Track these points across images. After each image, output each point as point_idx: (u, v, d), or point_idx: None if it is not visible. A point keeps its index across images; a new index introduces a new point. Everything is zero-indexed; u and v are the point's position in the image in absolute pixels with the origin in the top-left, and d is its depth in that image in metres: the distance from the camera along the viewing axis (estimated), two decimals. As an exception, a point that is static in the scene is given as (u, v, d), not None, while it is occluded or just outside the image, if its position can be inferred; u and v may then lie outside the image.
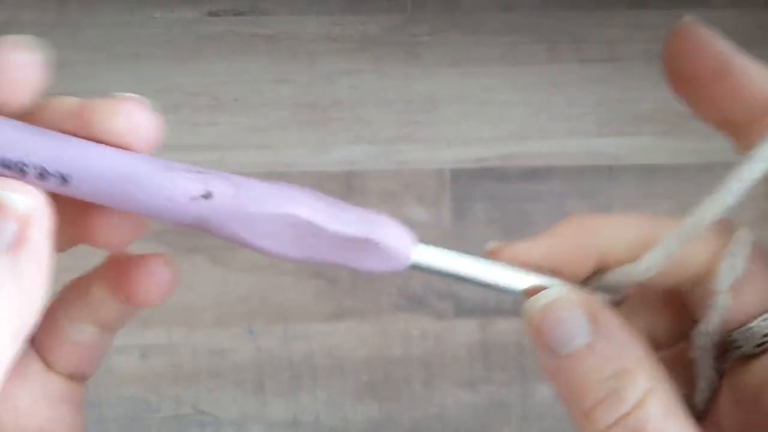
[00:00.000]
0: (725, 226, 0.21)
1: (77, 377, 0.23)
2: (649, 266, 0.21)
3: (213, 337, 0.53)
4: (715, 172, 0.20)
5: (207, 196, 0.19)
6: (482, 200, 0.54)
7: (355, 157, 0.55)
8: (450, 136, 0.55)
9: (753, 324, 0.21)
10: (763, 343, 0.21)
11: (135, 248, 0.22)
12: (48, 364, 0.23)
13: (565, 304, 0.20)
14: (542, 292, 0.20)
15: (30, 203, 0.19)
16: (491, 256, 0.22)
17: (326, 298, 0.53)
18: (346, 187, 0.54)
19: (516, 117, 0.55)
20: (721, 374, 0.22)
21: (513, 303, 0.42)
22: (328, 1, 0.57)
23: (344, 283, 0.53)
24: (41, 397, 0.22)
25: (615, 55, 0.56)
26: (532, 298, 0.20)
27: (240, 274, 0.55)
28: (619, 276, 0.21)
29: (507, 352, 0.53)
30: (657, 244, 0.21)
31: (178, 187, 0.19)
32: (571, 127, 0.55)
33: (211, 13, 0.58)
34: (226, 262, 0.53)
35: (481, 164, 0.55)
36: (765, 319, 0.21)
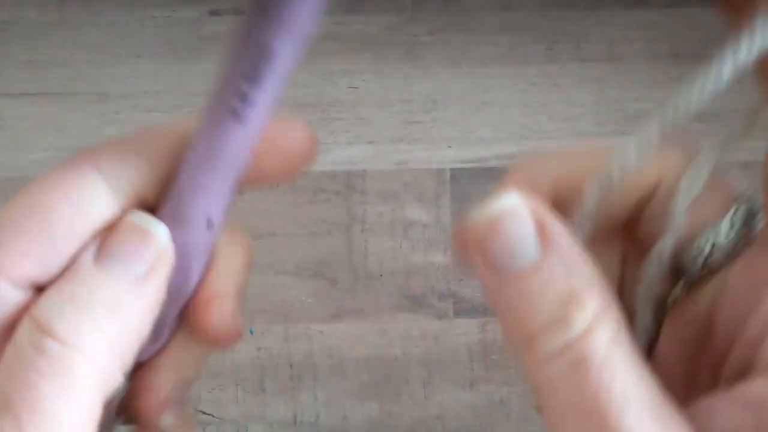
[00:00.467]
0: (679, 149, 0.20)
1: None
2: (623, 163, 0.19)
3: (213, 337, 0.52)
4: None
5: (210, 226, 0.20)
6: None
7: (355, 157, 0.55)
8: (450, 136, 0.55)
9: (697, 242, 0.20)
10: (707, 263, 0.20)
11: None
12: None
13: (513, 215, 0.17)
14: (489, 202, 0.18)
15: (167, 239, 0.19)
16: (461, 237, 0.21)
17: (326, 298, 0.53)
18: (346, 187, 0.54)
19: (516, 117, 0.55)
20: (661, 320, 0.21)
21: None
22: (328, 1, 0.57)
23: (344, 283, 0.53)
24: None
25: (615, 55, 0.56)
26: (479, 210, 0.18)
27: (240, 274, 0.55)
28: (593, 187, 0.20)
29: (507, 352, 0.53)
30: (630, 139, 0.19)
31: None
32: (571, 127, 0.55)
33: (211, 12, 0.58)
34: (226, 262, 0.53)
35: (481, 164, 0.55)
36: (707, 237, 0.20)
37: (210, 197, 0.19)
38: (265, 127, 0.19)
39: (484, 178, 0.54)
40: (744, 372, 0.17)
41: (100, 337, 0.17)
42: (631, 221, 0.21)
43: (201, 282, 0.20)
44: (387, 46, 0.57)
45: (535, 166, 0.21)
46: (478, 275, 0.18)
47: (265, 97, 0.18)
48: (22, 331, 0.17)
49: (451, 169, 0.54)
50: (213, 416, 0.52)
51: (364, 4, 0.57)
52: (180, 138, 0.19)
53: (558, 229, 0.17)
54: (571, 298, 0.16)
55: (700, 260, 0.20)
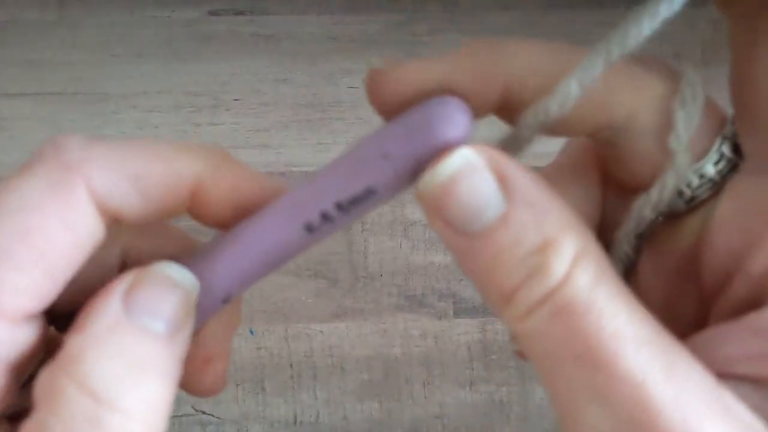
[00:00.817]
0: (659, 66, 0.18)
1: None
2: (563, 98, 0.17)
3: (213, 337, 0.52)
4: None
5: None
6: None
7: (355, 157, 0.55)
8: (450, 136, 0.55)
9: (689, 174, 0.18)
10: (695, 197, 0.18)
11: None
12: None
13: (470, 171, 0.16)
14: (443, 160, 0.16)
15: (197, 291, 0.17)
16: (376, 76, 0.19)
17: (326, 298, 0.53)
18: (346, 187, 0.54)
19: (516, 117, 0.55)
20: (639, 253, 0.19)
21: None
22: (329, 1, 0.57)
23: (344, 283, 0.53)
24: None
25: (615, 55, 0.56)
26: (432, 170, 0.16)
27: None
28: (530, 116, 0.18)
29: (507, 352, 0.53)
30: (571, 71, 0.17)
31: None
32: (571, 127, 0.55)
33: (211, 13, 0.58)
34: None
35: (481, 164, 0.55)
36: (698, 170, 0.18)
37: (241, 280, 0.18)
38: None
39: (484, 178, 0.54)
40: (754, 305, 0.16)
41: (155, 400, 0.17)
42: (609, 159, 0.19)
43: (193, 338, 0.20)
44: (387, 46, 0.57)
45: (490, 52, 0.18)
46: (442, 238, 0.16)
47: (348, 220, 0.18)
48: (72, 403, 0.16)
49: (451, 169, 0.54)
50: (213, 416, 0.52)
51: (364, 4, 0.57)
52: (184, 185, 0.18)
53: (520, 174, 0.16)
54: (545, 245, 0.15)
55: (688, 194, 0.18)
